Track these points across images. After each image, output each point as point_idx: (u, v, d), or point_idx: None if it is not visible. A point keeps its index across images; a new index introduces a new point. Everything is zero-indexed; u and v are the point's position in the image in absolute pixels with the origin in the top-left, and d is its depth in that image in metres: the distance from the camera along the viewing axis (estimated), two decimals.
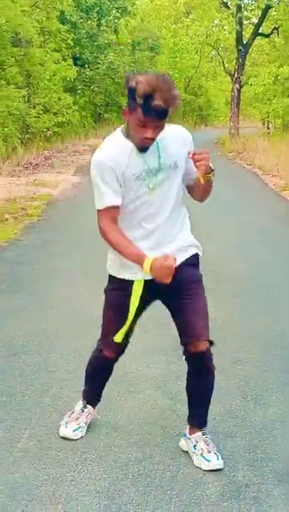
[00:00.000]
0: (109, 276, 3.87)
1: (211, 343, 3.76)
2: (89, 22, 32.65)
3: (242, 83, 33.37)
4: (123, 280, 3.73)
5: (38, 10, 24.23)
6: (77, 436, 4.06)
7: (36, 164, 19.32)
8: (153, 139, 3.42)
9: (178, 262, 3.57)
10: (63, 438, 4.05)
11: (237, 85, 33.09)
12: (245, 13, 32.69)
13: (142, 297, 3.68)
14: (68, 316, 6.31)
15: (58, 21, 27.50)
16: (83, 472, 3.69)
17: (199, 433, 3.88)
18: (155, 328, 5.72)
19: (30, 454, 3.90)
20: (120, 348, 3.92)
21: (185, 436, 3.94)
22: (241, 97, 34.50)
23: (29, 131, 23.64)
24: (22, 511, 3.37)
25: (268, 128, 35.49)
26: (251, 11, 33.75)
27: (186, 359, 3.82)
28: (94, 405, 4.21)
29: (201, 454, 3.79)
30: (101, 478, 3.66)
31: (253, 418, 4.39)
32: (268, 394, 4.76)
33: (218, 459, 3.77)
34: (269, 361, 5.34)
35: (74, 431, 4.08)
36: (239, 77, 32.87)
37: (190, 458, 3.83)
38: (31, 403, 4.54)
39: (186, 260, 3.72)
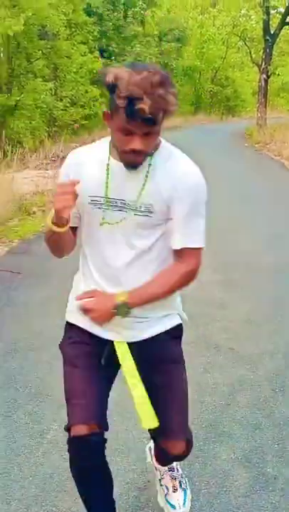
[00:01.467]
0: (67, 324, 3.03)
1: (189, 441, 3.00)
2: (115, 14, 32.57)
3: (269, 73, 33.13)
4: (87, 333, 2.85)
5: (65, 2, 24.20)
6: None
7: (64, 157, 19.18)
8: (141, 152, 2.48)
9: (154, 332, 2.80)
10: None
11: (264, 75, 32.85)
12: (272, 2, 32.45)
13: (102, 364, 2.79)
14: None
15: (84, 13, 27.48)
16: (112, 463, 3.67)
17: (166, 468, 3.35)
18: None
19: (59, 445, 3.93)
20: (93, 424, 2.70)
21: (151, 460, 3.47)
22: (269, 88, 34.27)
23: (56, 124, 23.72)
24: (52, 502, 3.40)
25: None
26: (278, 0, 33.51)
27: (156, 457, 3.30)
28: None
29: (165, 495, 3.29)
30: (130, 469, 3.69)
31: (282, 410, 4.39)
32: None
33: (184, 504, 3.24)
34: None
35: None
36: (266, 67, 32.63)
37: (218, 450, 3.82)
38: (60, 396, 4.53)
39: (163, 334, 2.82)
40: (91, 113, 26.43)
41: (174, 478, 3.29)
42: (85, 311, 2.67)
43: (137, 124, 2.38)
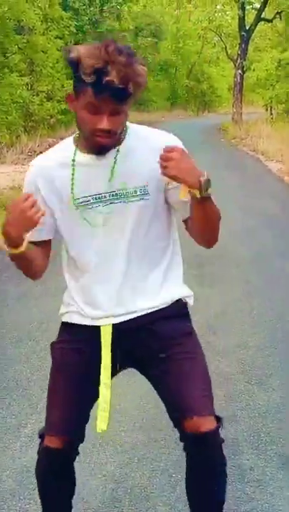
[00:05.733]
0: (61, 324, 2.80)
1: (219, 420, 2.63)
2: (91, 9, 32.52)
3: (245, 69, 33.28)
4: (78, 327, 2.68)
5: None
6: None
7: (40, 152, 19.15)
8: (110, 133, 2.35)
9: (151, 305, 2.61)
10: None
11: (240, 71, 32.99)
12: None
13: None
14: None
15: (60, 8, 27.39)
16: (89, 456, 3.72)
17: None
18: None
19: (36, 439, 3.92)
20: (67, 437, 2.66)
21: None
22: (244, 83, 34.40)
23: (32, 118, 23.63)
24: (30, 495, 3.41)
25: (271, 114, 35.37)
26: None
27: (184, 448, 2.67)
28: None
29: None
30: (107, 462, 3.71)
31: (257, 402, 4.43)
32: (271, 378, 4.79)
33: None
34: (273, 345, 5.37)
35: None
36: (242, 63, 32.78)
37: None
38: (37, 389, 4.57)
39: (164, 310, 2.62)
40: (67, 108, 26.32)
41: None
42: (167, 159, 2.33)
43: (105, 100, 2.26)
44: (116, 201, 2.49)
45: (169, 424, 3.09)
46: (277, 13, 33.92)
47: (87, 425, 2.76)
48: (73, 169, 2.50)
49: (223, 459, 2.65)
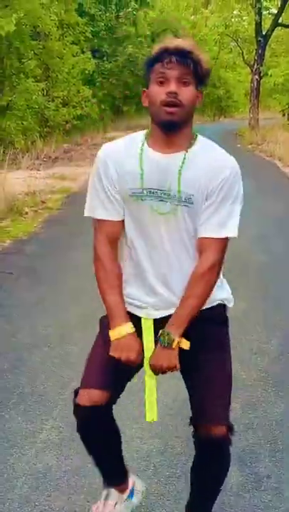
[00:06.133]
0: None
1: (231, 428, 2.87)
2: (107, 14, 32.59)
3: (261, 74, 33.21)
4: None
5: (57, 3, 24.17)
6: None
7: (56, 157, 19.36)
8: (178, 102, 2.54)
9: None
10: None
11: (256, 76, 32.92)
12: (264, 3, 32.52)
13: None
14: (89, 308, 6.31)
15: (76, 14, 27.46)
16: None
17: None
18: None
19: (52, 444, 3.94)
20: (106, 392, 2.81)
21: None
22: (261, 88, 34.33)
23: (48, 124, 23.68)
24: (45, 501, 3.40)
25: (288, 119, 35.29)
26: (270, 1, 33.57)
27: (194, 443, 3.01)
28: (119, 486, 3.14)
29: None
30: None
31: (274, 409, 4.40)
32: (288, 385, 4.76)
33: None
34: None
35: None
36: (258, 68, 32.71)
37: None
38: (53, 395, 4.57)
39: (203, 312, 2.75)
40: (83, 113, 26.41)
41: None
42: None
43: (171, 65, 2.53)
44: (171, 200, 2.65)
45: (185, 431, 3.09)
46: None
47: None
48: (141, 160, 2.66)
49: (226, 461, 2.97)
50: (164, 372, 2.72)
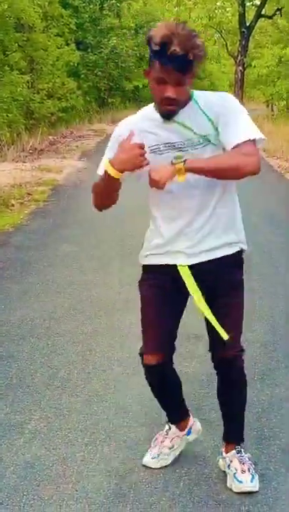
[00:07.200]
0: (142, 266, 3.40)
1: (242, 350, 3.42)
2: (91, 6, 32.49)
3: (245, 65, 33.29)
4: (158, 267, 3.29)
5: None
6: (156, 465, 3.62)
7: (41, 150, 19.29)
8: (175, 100, 2.89)
9: (214, 256, 3.19)
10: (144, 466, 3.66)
11: (240, 67, 33.05)
12: None
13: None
14: (76, 299, 6.34)
15: (60, 6, 27.36)
16: (93, 452, 3.74)
17: (233, 451, 3.53)
18: None
19: (40, 435, 3.96)
20: (161, 353, 3.39)
21: (221, 455, 3.61)
22: (245, 80, 34.39)
23: (33, 116, 23.59)
24: (34, 491, 3.42)
25: (272, 110, 35.36)
26: None
27: (214, 367, 3.48)
28: (178, 424, 3.70)
29: (234, 474, 3.46)
30: (111, 457, 3.72)
31: (260, 397, 4.44)
32: (274, 373, 4.81)
33: (252, 481, 3.42)
34: (276, 341, 5.39)
35: (153, 458, 3.65)
36: (242, 60, 32.80)
37: (198, 437, 3.86)
38: (41, 385, 4.59)
39: (223, 259, 3.22)
40: (68, 105, 26.35)
41: (242, 462, 3.49)
42: (151, 173, 2.96)
43: (169, 71, 2.81)
44: (190, 147, 3.03)
45: None
46: (278, 9, 33.97)
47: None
48: (154, 121, 3.06)
49: (242, 375, 3.49)
50: (156, 183, 2.96)
